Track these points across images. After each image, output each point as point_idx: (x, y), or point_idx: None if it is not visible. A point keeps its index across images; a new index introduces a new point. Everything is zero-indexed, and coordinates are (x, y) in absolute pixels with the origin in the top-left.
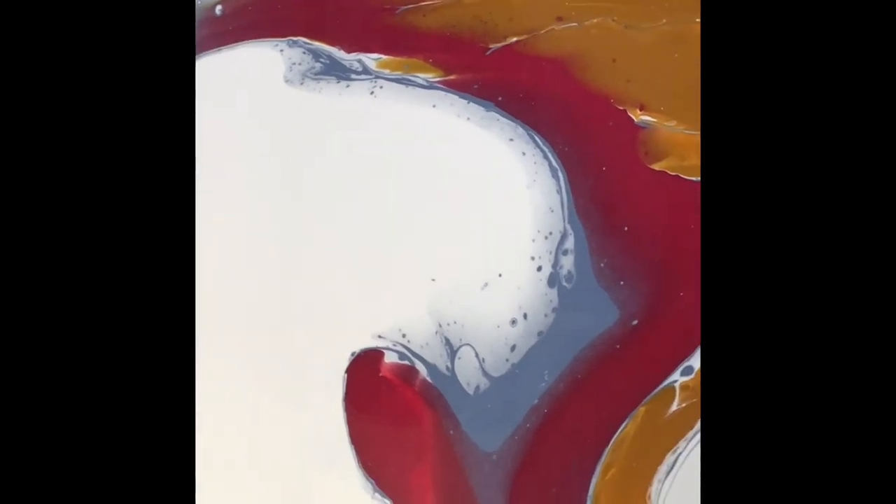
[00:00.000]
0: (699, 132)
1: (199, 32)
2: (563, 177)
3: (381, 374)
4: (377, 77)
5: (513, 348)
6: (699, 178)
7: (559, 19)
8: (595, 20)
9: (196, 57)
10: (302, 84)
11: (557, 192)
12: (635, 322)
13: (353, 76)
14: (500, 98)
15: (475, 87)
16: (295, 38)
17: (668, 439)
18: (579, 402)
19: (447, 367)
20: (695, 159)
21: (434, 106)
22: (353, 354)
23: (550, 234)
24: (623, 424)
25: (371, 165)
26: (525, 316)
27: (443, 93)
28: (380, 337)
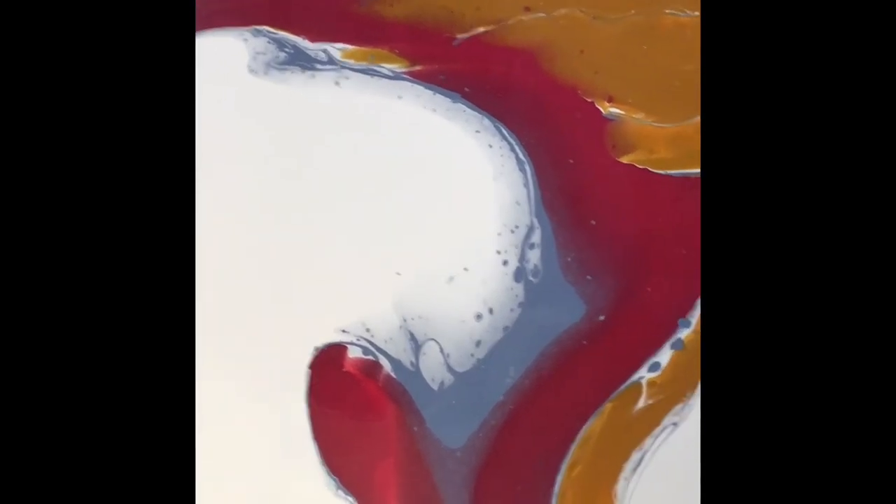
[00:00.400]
0: (668, 124)
1: None
2: (530, 170)
3: (344, 370)
4: (343, 67)
5: (478, 343)
6: (668, 172)
7: (527, 9)
8: (563, 10)
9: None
10: (266, 74)
11: (524, 185)
12: (602, 317)
13: (319, 66)
14: (466, 89)
15: (442, 77)
16: (259, 28)
17: (635, 436)
18: (545, 398)
19: (411, 363)
20: (663, 152)
21: (400, 97)
22: (316, 349)
23: (517, 227)
24: (589, 421)
25: (335, 157)
26: (491, 311)
27: (409, 84)
28: (343, 331)
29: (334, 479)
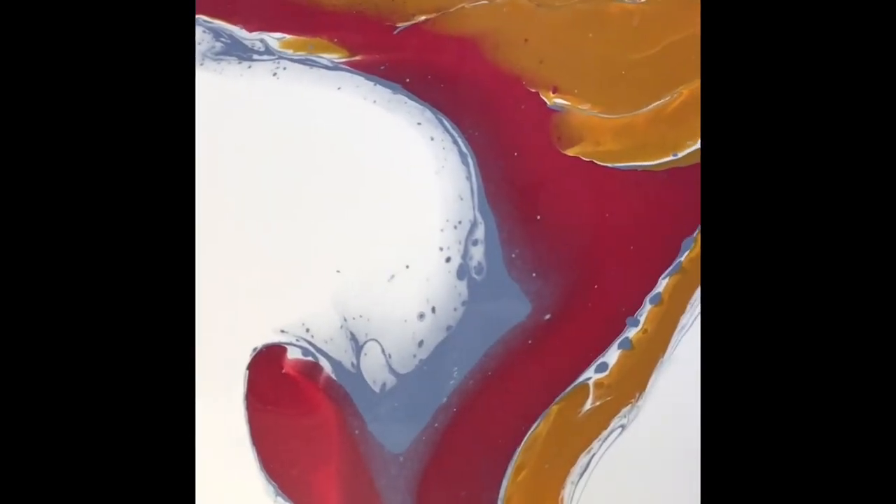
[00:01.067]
0: (614, 115)
1: None
2: (473, 163)
3: (283, 371)
4: (280, 58)
5: (420, 344)
6: (615, 165)
7: None
8: None
9: None
10: (201, 65)
11: (467, 178)
12: (548, 316)
13: (255, 56)
14: (407, 79)
15: (382, 68)
16: (194, 16)
17: (582, 439)
18: (490, 400)
19: (353, 364)
20: (610, 144)
21: (339, 88)
22: (254, 350)
23: (460, 223)
24: (535, 424)
25: (273, 150)
26: (433, 310)
27: (348, 74)
28: (282, 331)
29: (273, 485)
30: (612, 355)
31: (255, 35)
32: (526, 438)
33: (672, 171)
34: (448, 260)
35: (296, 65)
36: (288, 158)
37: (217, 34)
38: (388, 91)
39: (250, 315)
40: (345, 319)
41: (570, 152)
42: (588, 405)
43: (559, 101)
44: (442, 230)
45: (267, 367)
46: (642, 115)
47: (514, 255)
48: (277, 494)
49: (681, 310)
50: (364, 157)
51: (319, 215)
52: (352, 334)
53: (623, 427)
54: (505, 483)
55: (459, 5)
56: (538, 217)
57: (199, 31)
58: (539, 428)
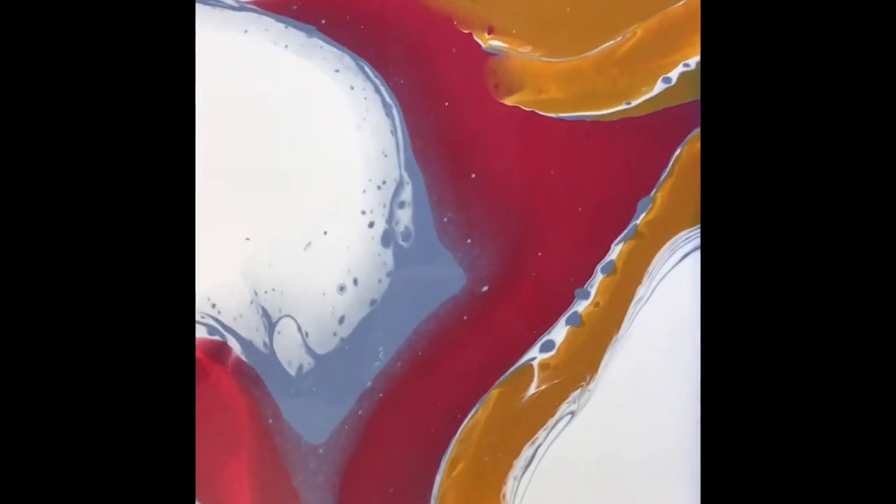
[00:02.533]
0: (559, 59)
1: None
2: (399, 115)
3: None
4: None
5: (341, 320)
6: (560, 115)
7: None
8: None
9: None
10: None
11: (392, 132)
12: (485, 288)
13: None
14: (323, 21)
15: (294, 7)
16: None
17: (526, 428)
18: (420, 384)
19: (265, 343)
20: (554, 92)
21: (246, 31)
22: None
23: (384, 183)
24: (472, 411)
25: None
26: (355, 281)
27: (256, 15)
28: None
29: None
30: (560, 332)
31: None
32: (462, 427)
33: (625, 122)
34: (371, 225)
35: (198, 5)
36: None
37: None
38: (301, 34)
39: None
40: (255, 293)
41: (509, 101)
42: (532, 389)
43: (495, 43)
44: (364, 191)
45: None
46: (590, 59)
47: (445, 220)
48: None
49: (636, 280)
50: (275, 109)
51: (225, 175)
52: (263, 310)
53: (573, 414)
54: (438, 478)
55: None
56: (473, 176)
57: None
58: (476, 415)
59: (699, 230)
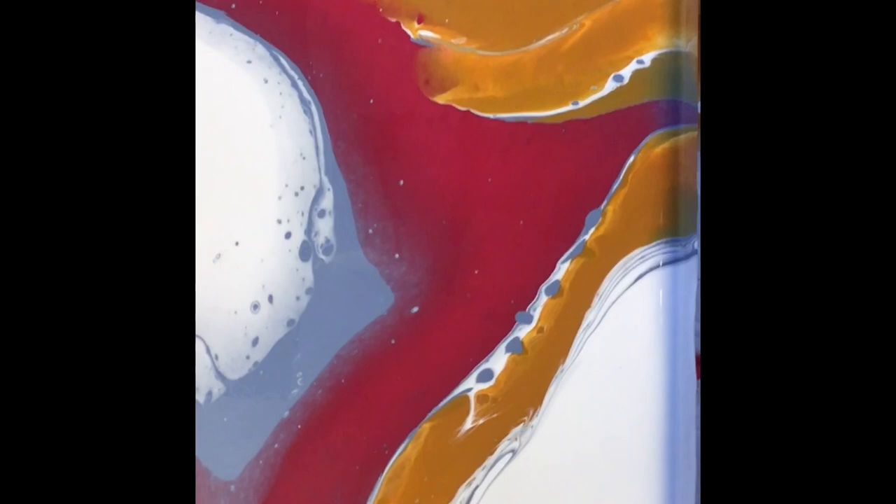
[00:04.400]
0: (498, 52)
1: None
2: (318, 112)
3: None
4: None
5: (255, 342)
6: (498, 116)
7: None
8: None
9: None
10: None
11: (310, 132)
12: (416, 309)
13: None
14: (233, 5)
15: None
16: None
17: (462, 467)
18: (344, 414)
19: None
20: (492, 89)
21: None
22: None
23: (302, 188)
24: (401, 446)
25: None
26: (270, 298)
27: None
28: None
29: None
30: (499, 361)
31: None
32: (390, 465)
33: (572, 125)
34: (288, 236)
35: None
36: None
37: None
38: (209, 20)
39: None
40: None
41: (441, 99)
42: (468, 424)
43: (425, 33)
44: (280, 198)
45: None
46: (532, 53)
47: (371, 231)
48: None
49: (585, 303)
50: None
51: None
52: None
53: (514, 452)
54: None
55: None
56: (401, 182)
57: None
58: (406, 451)
59: (656, 247)
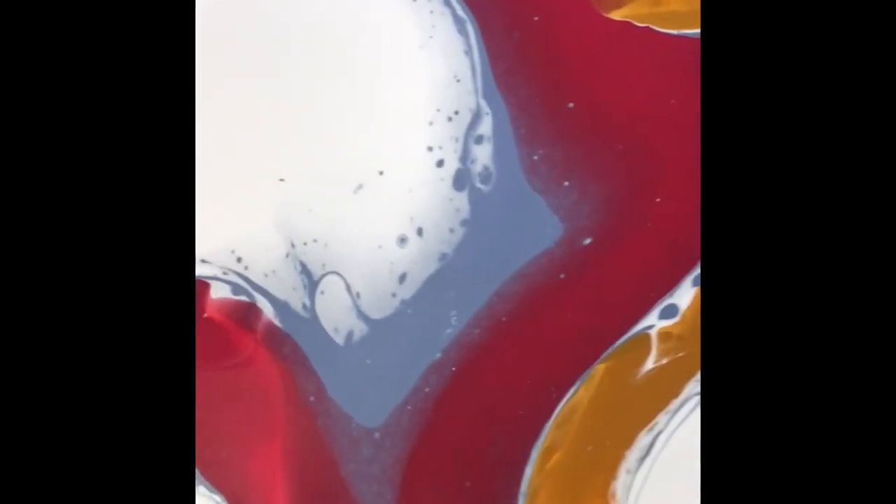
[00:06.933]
0: None
1: None
2: (475, 32)
3: (205, 316)
4: None
5: (402, 278)
6: (682, 32)
7: None
8: None
9: None
10: None
11: (465, 53)
12: (588, 241)
13: None
14: None
15: None
16: None
17: (642, 412)
18: (504, 356)
19: (304, 305)
20: (675, 3)
21: None
22: None
23: (456, 113)
24: (571, 389)
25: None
26: (420, 231)
27: None
28: (204, 261)
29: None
30: (685, 295)
31: None
32: (558, 409)
33: None
34: (440, 164)
35: None
36: (215, 31)
37: None
38: None
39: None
40: (292, 245)
41: (617, 15)
42: (650, 364)
43: None
44: (431, 123)
45: None
46: None
47: (536, 158)
48: (199, 483)
49: None
50: (319, 26)
51: (254, 102)
52: (302, 265)
53: (700, 395)
54: (529, 471)
55: None
56: (571, 105)
57: None
58: (577, 395)
59: None
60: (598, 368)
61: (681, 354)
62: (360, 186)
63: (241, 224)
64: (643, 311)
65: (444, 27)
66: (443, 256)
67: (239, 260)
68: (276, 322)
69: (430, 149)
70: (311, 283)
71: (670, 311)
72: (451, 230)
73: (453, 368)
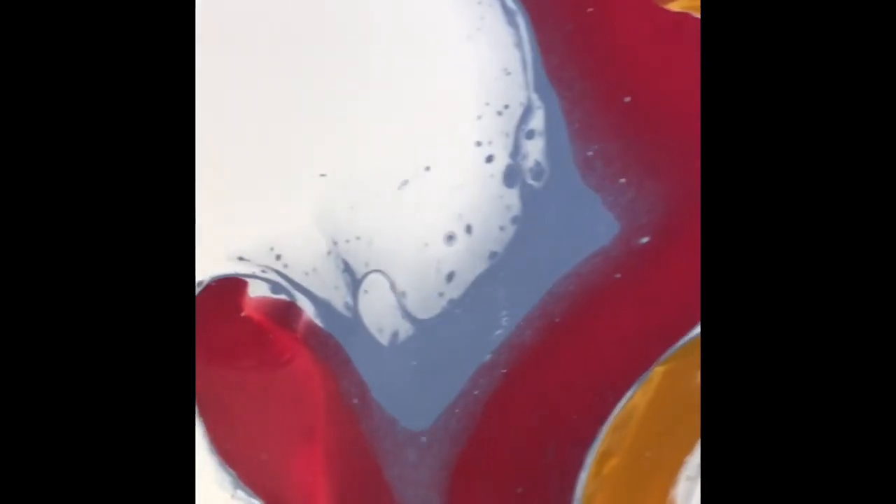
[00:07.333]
0: None
1: None
2: (525, 23)
3: (243, 315)
4: None
5: (450, 277)
6: None
7: None
8: None
9: None
10: None
11: (516, 45)
12: (645, 240)
13: None
14: None
15: None
16: None
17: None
18: (558, 358)
19: (347, 305)
20: None
21: None
22: (200, 284)
23: (506, 107)
24: (628, 392)
25: (237, 19)
26: (468, 229)
27: None
28: (241, 258)
29: (230, 474)
30: None
31: None
32: (614, 414)
33: None
34: (489, 159)
35: None
36: (256, 18)
37: None
38: None
39: (197, 235)
40: (334, 242)
41: (675, 6)
42: None
43: None
44: (480, 117)
45: (219, 308)
46: None
47: (590, 153)
48: (237, 487)
49: None
50: (364, 16)
51: (299, 94)
52: (345, 263)
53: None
54: (583, 476)
55: None
56: (627, 98)
57: None
58: (634, 399)
59: None
60: (656, 371)
61: None
62: (405, 182)
63: (280, 220)
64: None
65: (492, 19)
66: (493, 255)
67: (278, 257)
68: (318, 321)
69: (478, 144)
70: (354, 281)
71: None
72: (502, 228)
73: (504, 371)
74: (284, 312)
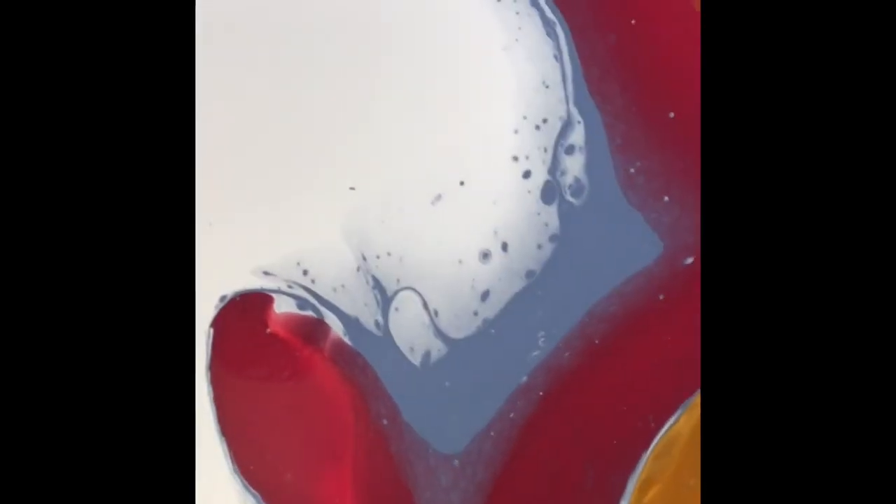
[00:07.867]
0: None
1: None
2: (565, 35)
3: (268, 332)
4: None
5: (485, 296)
6: None
7: None
8: None
9: None
10: None
11: (555, 57)
12: (690, 260)
13: None
14: None
15: None
16: None
17: None
18: (598, 381)
19: (377, 323)
20: None
21: None
22: (223, 300)
23: (544, 121)
24: (671, 418)
25: (261, 24)
26: (504, 246)
27: None
28: (267, 273)
29: (254, 496)
30: None
31: None
32: (657, 440)
33: None
34: (527, 175)
35: None
36: (280, 31)
37: None
38: None
39: (218, 248)
40: (363, 258)
41: None
42: None
43: None
44: (517, 132)
45: (243, 324)
46: None
47: (633, 170)
48: None
49: None
50: (396, 24)
51: (331, 105)
52: (375, 280)
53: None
54: None
55: None
56: (671, 114)
57: None
58: (678, 425)
59: None
60: (701, 396)
61: None
62: (438, 197)
63: (307, 234)
64: None
65: (530, 29)
66: (530, 273)
67: (305, 273)
68: (346, 339)
69: (515, 158)
70: (385, 298)
71: None
72: (539, 246)
73: (541, 393)
74: (311, 329)
